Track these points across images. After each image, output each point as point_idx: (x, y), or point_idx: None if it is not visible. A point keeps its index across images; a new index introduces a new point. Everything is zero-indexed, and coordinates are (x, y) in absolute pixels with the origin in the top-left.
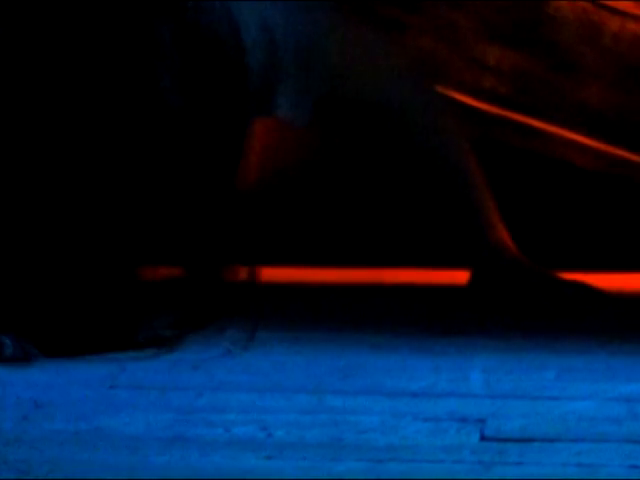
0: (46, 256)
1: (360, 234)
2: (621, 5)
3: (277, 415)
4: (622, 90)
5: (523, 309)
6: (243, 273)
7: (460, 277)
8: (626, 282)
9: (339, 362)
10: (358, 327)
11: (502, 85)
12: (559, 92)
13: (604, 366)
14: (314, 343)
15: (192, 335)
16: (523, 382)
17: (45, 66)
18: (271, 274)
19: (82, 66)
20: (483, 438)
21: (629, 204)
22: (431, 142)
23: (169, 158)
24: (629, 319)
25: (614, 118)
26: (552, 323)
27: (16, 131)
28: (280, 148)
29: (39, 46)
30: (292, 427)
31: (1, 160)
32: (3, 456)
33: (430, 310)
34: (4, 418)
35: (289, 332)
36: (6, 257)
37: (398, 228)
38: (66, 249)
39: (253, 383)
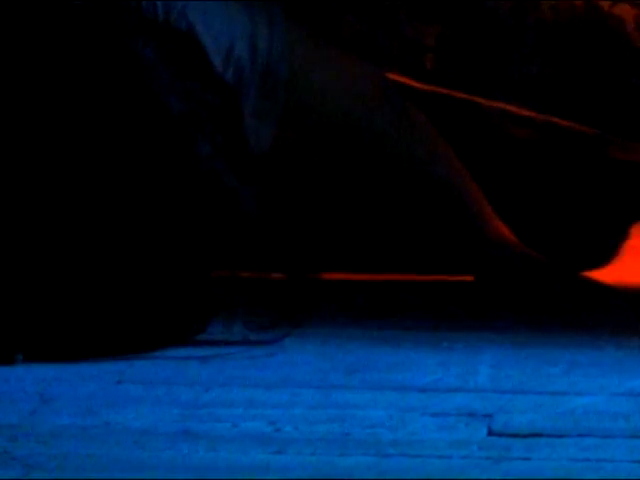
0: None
1: (358, 241)
2: None
3: (285, 410)
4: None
5: (529, 301)
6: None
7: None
8: (633, 276)
9: (346, 357)
10: (365, 322)
11: (439, 64)
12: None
13: (612, 361)
14: (321, 338)
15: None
16: (531, 377)
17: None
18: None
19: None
20: (491, 433)
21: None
22: (415, 156)
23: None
24: (638, 313)
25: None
26: (560, 318)
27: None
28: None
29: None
30: (300, 422)
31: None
32: (10, 451)
33: (437, 305)
34: (11, 413)
35: (296, 327)
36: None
37: (396, 237)
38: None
39: (260, 378)
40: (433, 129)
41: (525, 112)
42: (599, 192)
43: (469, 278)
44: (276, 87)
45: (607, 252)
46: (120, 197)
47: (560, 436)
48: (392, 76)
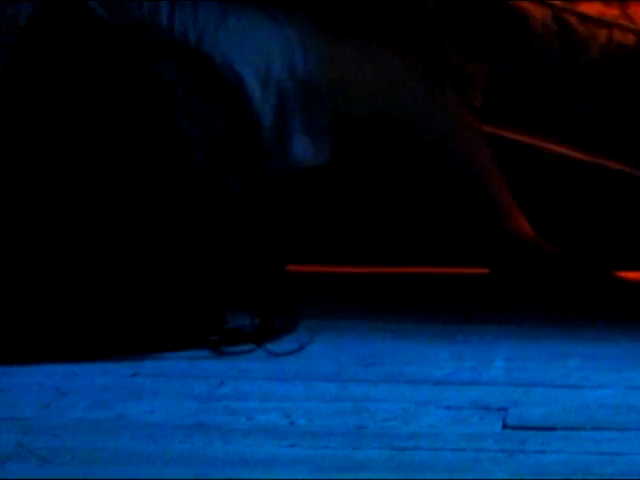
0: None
1: (376, 234)
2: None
3: (299, 403)
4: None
5: (544, 294)
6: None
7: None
8: None
9: (361, 350)
10: (380, 315)
11: (488, 102)
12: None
13: (627, 354)
14: (336, 331)
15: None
16: (545, 370)
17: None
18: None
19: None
20: (505, 426)
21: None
22: (449, 142)
23: None
24: None
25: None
26: (575, 311)
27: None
28: None
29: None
30: (314, 415)
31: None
32: (26, 444)
33: (452, 298)
34: (26, 406)
35: (311, 320)
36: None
37: (413, 229)
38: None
39: (275, 371)
40: (470, 118)
41: (574, 153)
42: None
43: (485, 271)
44: (319, 99)
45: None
46: (132, 202)
47: (575, 429)
48: None
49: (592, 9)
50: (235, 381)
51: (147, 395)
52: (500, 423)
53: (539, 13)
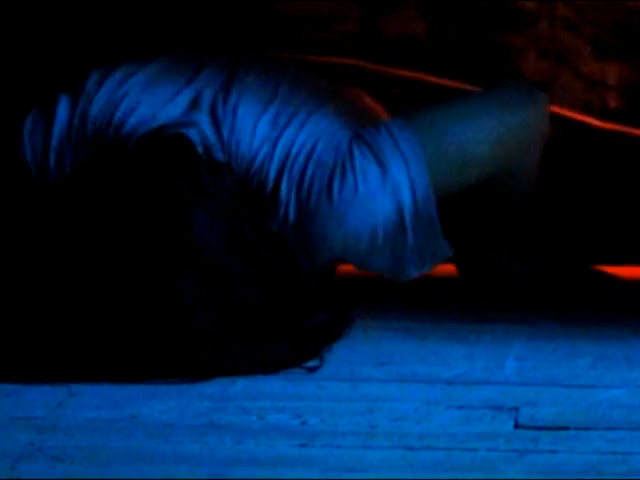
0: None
1: None
2: None
3: (311, 403)
4: None
5: (540, 296)
6: None
7: None
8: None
9: (373, 350)
10: (392, 315)
11: (613, 100)
12: None
13: (638, 354)
14: (348, 331)
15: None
16: (557, 370)
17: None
18: None
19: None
20: (517, 426)
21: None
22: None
23: None
24: None
25: None
26: (586, 312)
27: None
28: None
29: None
30: (326, 415)
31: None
32: (38, 443)
33: (464, 298)
34: (39, 405)
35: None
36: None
37: None
38: None
39: (287, 371)
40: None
41: None
42: None
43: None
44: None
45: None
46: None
47: (586, 429)
48: (573, 114)
49: None
50: (247, 381)
51: (159, 395)
52: (512, 423)
53: None
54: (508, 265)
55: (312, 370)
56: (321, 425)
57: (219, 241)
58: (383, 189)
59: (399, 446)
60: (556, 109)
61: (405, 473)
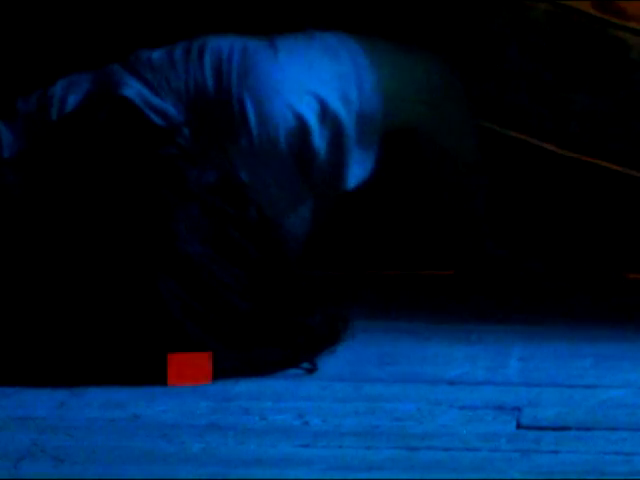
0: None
1: (392, 237)
2: None
3: (313, 403)
4: None
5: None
6: None
7: None
8: None
9: (375, 350)
10: (394, 315)
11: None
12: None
13: None
14: (350, 331)
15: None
16: (559, 370)
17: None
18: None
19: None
20: (519, 426)
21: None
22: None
23: None
24: None
25: None
26: (589, 311)
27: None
28: None
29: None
30: (328, 415)
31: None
32: (40, 443)
33: (467, 298)
34: (41, 405)
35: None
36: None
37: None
38: None
39: (289, 371)
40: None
41: None
42: None
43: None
44: (372, 126)
45: None
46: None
47: (589, 429)
48: (536, 142)
49: None
50: (249, 381)
51: (161, 395)
52: (514, 423)
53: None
54: (506, 257)
55: (310, 371)
56: (323, 425)
57: (205, 248)
58: None
59: (401, 446)
60: None
61: (407, 473)
